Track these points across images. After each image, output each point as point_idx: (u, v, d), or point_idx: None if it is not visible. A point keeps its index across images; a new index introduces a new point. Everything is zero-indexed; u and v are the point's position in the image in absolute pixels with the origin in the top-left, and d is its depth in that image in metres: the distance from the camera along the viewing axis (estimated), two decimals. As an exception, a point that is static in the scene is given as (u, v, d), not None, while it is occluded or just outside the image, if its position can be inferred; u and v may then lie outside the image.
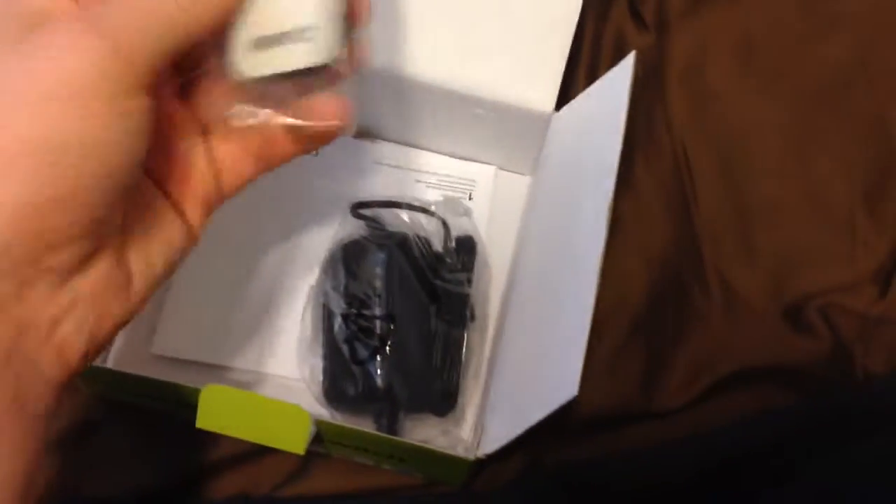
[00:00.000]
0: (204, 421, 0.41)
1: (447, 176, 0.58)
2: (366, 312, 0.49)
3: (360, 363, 0.48)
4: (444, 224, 0.52)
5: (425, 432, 0.50)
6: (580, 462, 0.52)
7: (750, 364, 0.55)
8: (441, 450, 0.43)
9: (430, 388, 0.49)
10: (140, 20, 0.25)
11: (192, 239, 0.32)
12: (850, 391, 0.53)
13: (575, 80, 0.61)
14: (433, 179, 0.58)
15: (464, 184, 0.58)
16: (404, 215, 0.51)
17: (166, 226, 0.31)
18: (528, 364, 0.46)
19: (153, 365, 0.51)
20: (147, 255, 0.30)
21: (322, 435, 0.44)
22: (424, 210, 0.52)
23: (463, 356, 0.50)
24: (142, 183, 0.30)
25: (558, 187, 0.51)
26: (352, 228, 0.52)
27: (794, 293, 0.57)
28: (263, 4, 0.30)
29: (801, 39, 0.64)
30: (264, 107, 0.32)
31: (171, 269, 0.31)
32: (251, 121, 0.32)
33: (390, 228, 0.51)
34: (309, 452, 0.42)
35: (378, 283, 0.49)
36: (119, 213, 0.28)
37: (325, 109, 0.32)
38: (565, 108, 0.52)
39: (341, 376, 0.49)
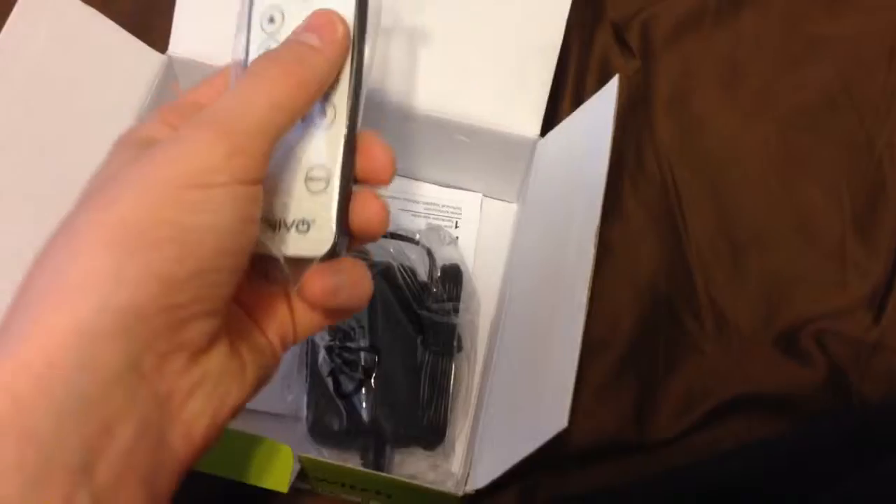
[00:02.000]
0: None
1: (433, 204, 0.57)
2: (350, 344, 0.47)
3: (345, 397, 0.47)
4: (429, 253, 0.51)
5: (413, 467, 0.48)
6: (573, 497, 0.50)
7: (744, 392, 0.54)
8: (430, 485, 0.42)
9: (418, 420, 0.48)
10: (247, 120, 0.28)
11: (276, 362, 0.33)
12: (848, 419, 0.52)
13: (561, 106, 0.60)
14: (419, 208, 0.57)
15: (450, 212, 0.57)
16: (389, 245, 0.50)
17: (257, 338, 0.32)
18: (518, 395, 0.45)
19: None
20: (251, 356, 0.31)
21: (307, 472, 0.42)
22: (409, 239, 0.51)
23: (451, 387, 0.49)
24: (235, 309, 0.32)
25: (545, 214, 0.50)
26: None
27: (786, 319, 0.57)
28: (272, 188, 0.31)
29: (786, 64, 0.64)
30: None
31: (264, 380, 0.33)
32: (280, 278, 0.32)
33: (374, 258, 0.50)
34: (294, 490, 0.41)
35: (362, 315, 0.48)
36: (231, 300, 0.29)
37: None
38: (551, 134, 0.51)
39: (326, 411, 0.47)
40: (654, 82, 0.63)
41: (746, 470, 0.49)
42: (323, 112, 0.32)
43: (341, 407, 0.47)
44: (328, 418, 0.47)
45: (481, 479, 0.41)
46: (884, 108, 0.62)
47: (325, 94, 0.32)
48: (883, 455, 0.46)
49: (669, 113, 0.62)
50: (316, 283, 0.31)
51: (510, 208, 0.58)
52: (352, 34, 0.32)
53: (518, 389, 0.45)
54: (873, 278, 0.58)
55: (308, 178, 0.31)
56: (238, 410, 0.30)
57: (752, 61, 0.64)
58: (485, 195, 0.58)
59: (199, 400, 0.28)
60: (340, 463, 0.42)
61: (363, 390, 0.47)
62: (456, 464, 0.50)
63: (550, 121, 0.52)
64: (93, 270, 0.25)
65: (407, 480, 0.42)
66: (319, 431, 0.47)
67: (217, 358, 0.29)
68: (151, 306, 0.25)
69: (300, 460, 0.41)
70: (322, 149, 0.32)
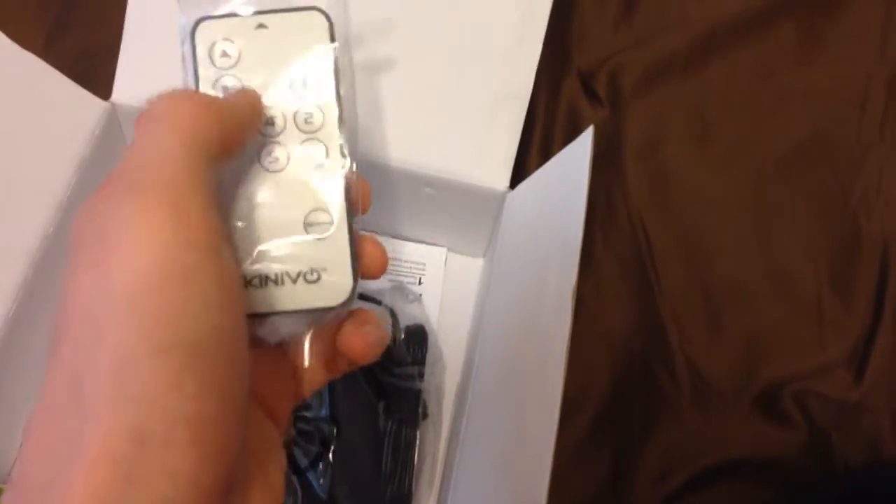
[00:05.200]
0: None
1: (395, 259, 0.54)
2: (307, 414, 0.44)
3: (300, 473, 0.43)
4: (393, 314, 0.48)
5: (375, 546, 0.44)
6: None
7: (724, 457, 0.52)
8: (392, 570, 0.38)
9: (380, 496, 0.44)
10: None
11: (280, 439, 0.30)
12: (835, 484, 0.50)
13: (528, 156, 0.58)
14: (380, 263, 0.54)
15: (413, 267, 0.54)
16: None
17: (268, 429, 0.29)
18: (490, 466, 0.41)
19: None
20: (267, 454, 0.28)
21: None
22: (372, 299, 0.47)
23: (415, 458, 0.46)
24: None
25: (516, 270, 0.48)
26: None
27: (765, 379, 0.54)
28: (258, 241, 0.28)
29: (757, 115, 0.63)
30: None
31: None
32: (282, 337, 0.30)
33: (333, 319, 0.46)
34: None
35: (320, 381, 0.44)
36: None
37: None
38: (521, 186, 0.49)
39: (279, 487, 0.43)
40: (623, 132, 0.61)
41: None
42: (313, 151, 0.29)
43: (296, 484, 0.43)
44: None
45: (450, 562, 0.38)
46: (857, 159, 0.61)
47: (312, 133, 0.29)
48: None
49: (639, 163, 0.60)
50: (355, 337, 0.29)
51: (476, 263, 0.55)
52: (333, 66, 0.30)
53: (489, 460, 0.42)
54: (852, 335, 0.56)
55: (308, 224, 0.29)
56: None
57: (722, 112, 0.63)
58: (449, 249, 0.55)
59: None
60: (295, 546, 0.38)
61: (320, 465, 0.43)
62: (421, 541, 0.46)
63: (518, 171, 0.50)
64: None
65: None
66: (272, 510, 0.43)
67: (255, 494, 0.25)
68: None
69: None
70: (320, 190, 0.29)
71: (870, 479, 0.50)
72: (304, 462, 0.43)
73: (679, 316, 0.56)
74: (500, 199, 0.49)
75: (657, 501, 0.50)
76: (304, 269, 0.28)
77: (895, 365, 0.55)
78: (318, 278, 0.28)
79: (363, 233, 0.30)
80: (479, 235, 0.53)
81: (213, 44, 0.30)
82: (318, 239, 0.28)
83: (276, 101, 0.30)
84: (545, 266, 0.43)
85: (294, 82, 0.30)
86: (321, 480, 0.43)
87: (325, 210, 0.28)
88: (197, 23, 0.30)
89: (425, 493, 0.46)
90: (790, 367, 0.55)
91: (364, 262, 0.29)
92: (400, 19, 0.47)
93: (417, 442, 0.46)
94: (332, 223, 0.28)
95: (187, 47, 0.30)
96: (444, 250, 0.55)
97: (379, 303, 0.47)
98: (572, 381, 0.53)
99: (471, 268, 0.55)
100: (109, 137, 0.49)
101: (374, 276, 0.30)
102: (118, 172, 0.24)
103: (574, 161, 0.43)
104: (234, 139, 0.27)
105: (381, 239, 0.54)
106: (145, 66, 0.48)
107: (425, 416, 0.47)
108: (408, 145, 0.48)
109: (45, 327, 0.45)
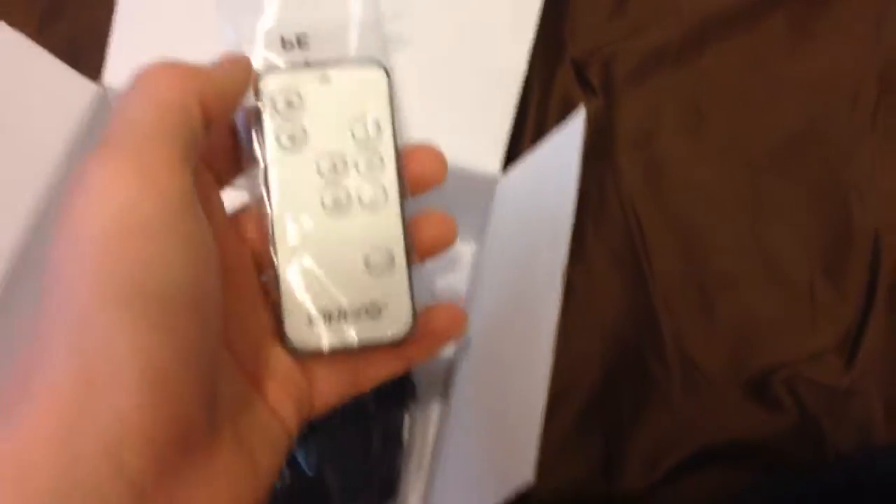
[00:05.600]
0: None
1: (387, 245, 0.54)
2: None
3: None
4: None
5: (363, 527, 0.44)
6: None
7: (715, 442, 0.52)
8: (380, 548, 0.38)
9: (367, 476, 0.44)
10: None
11: (289, 441, 0.31)
12: (825, 471, 0.50)
13: (521, 146, 0.58)
14: (372, 249, 0.54)
15: (405, 253, 0.54)
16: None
17: (264, 418, 0.29)
18: (478, 448, 0.41)
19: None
20: (259, 440, 0.28)
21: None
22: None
23: (404, 440, 0.46)
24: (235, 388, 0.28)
25: (506, 253, 0.48)
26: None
27: (756, 365, 0.54)
28: (322, 277, 0.30)
29: (750, 105, 0.63)
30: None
31: (279, 465, 0.30)
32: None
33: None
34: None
35: (309, 360, 0.44)
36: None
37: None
38: (513, 169, 0.49)
39: (267, 465, 0.43)
40: (616, 122, 0.61)
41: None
42: (371, 194, 0.32)
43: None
44: (270, 474, 0.43)
45: (437, 539, 0.38)
46: (849, 150, 0.61)
47: (369, 173, 0.32)
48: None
49: (633, 153, 0.60)
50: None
51: (468, 248, 0.55)
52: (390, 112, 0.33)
53: (478, 441, 0.42)
54: (844, 322, 0.56)
55: (368, 263, 0.31)
56: None
57: (715, 102, 0.63)
58: (441, 235, 0.55)
59: None
60: (282, 524, 0.38)
61: (307, 442, 0.43)
62: (410, 523, 0.46)
63: (511, 160, 0.50)
64: (66, 371, 0.21)
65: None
66: (260, 489, 0.43)
67: (222, 456, 0.25)
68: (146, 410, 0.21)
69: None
70: (379, 229, 0.31)
71: (860, 464, 0.50)
72: (292, 441, 0.43)
73: (671, 305, 0.56)
74: (491, 182, 0.49)
75: (648, 486, 0.50)
76: (365, 304, 0.29)
77: (886, 351, 0.55)
78: (380, 313, 0.30)
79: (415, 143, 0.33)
80: (471, 221, 0.53)
81: (280, 95, 0.31)
82: (377, 276, 0.30)
83: (339, 148, 0.31)
84: (535, 247, 0.43)
85: (356, 130, 0.32)
86: (308, 458, 0.43)
87: (383, 248, 0.30)
88: (261, 75, 0.32)
89: (414, 474, 0.46)
90: (782, 353, 0.55)
91: (419, 169, 0.32)
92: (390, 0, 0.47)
93: (406, 424, 0.46)
94: (390, 262, 0.30)
95: (252, 102, 0.31)
96: (436, 236, 0.55)
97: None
98: (563, 370, 0.53)
99: (463, 253, 0.55)
100: (100, 120, 0.49)
101: (434, 183, 0.33)
102: (97, 141, 0.24)
103: (565, 142, 0.43)
104: (218, 105, 0.27)
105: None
106: (136, 49, 0.48)
107: (414, 398, 0.47)
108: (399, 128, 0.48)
109: (32, 305, 0.44)
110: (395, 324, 0.30)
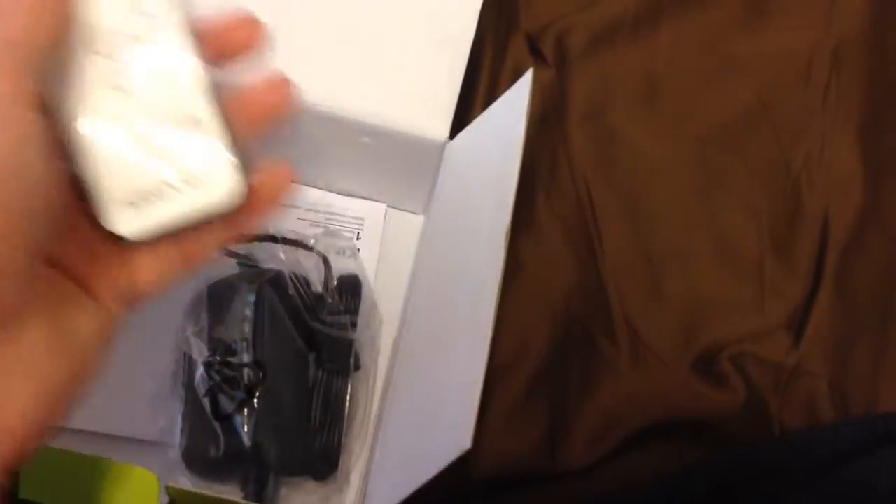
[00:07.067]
0: (29, 490, 0.34)
1: (333, 214, 0.53)
2: (231, 360, 0.42)
3: (224, 419, 0.42)
4: (325, 261, 0.46)
5: (301, 500, 0.44)
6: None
7: (661, 418, 0.52)
8: (317, 520, 0.37)
9: (308, 447, 0.43)
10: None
11: (111, 325, 0.28)
12: (769, 448, 0.49)
13: (472, 117, 0.57)
14: (317, 217, 0.53)
15: (351, 222, 0.53)
16: (279, 251, 0.46)
17: (83, 301, 0.27)
18: (418, 417, 0.41)
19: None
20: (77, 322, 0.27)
21: (175, 504, 0.37)
22: (302, 245, 0.46)
23: (346, 411, 0.45)
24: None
25: (452, 220, 0.47)
26: (221, 268, 0.46)
27: (704, 342, 0.54)
28: (129, 152, 0.27)
29: (703, 81, 0.62)
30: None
31: (97, 350, 0.28)
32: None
33: (263, 265, 0.45)
34: (159, 525, 0.35)
35: (246, 327, 0.43)
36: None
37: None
38: (460, 135, 0.48)
39: (201, 434, 0.42)
40: (569, 94, 0.60)
41: (667, 499, 0.46)
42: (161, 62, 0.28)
43: (219, 430, 0.42)
44: (203, 443, 0.42)
45: (376, 511, 0.37)
46: (800, 128, 0.61)
47: (155, 45, 0.28)
48: (809, 485, 0.43)
49: (585, 126, 0.60)
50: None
51: (417, 220, 0.54)
52: None
53: (418, 411, 0.41)
54: (791, 300, 0.56)
55: (172, 133, 0.27)
56: (73, 392, 0.26)
57: (669, 77, 0.62)
58: (389, 206, 0.54)
59: (15, 384, 0.24)
60: (216, 495, 0.36)
61: (245, 411, 0.42)
62: (351, 496, 0.45)
63: (460, 127, 0.49)
64: None
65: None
66: (193, 458, 0.42)
67: (32, 332, 0.24)
68: None
69: (168, 491, 0.36)
70: (180, 96, 0.27)
71: (804, 441, 0.50)
72: (228, 408, 0.42)
73: (620, 278, 0.56)
74: (439, 149, 0.48)
75: (593, 460, 0.50)
76: (182, 176, 0.26)
77: (833, 330, 0.55)
78: (200, 180, 0.26)
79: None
80: (418, 189, 0.52)
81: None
82: (187, 138, 0.27)
83: (119, 24, 0.28)
84: (480, 213, 0.42)
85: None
86: (245, 428, 0.42)
87: (188, 115, 0.27)
88: None
89: (356, 445, 0.45)
90: (730, 330, 0.55)
91: (264, 191, 0.28)
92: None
93: (348, 393, 0.45)
94: (198, 125, 0.27)
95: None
96: (383, 206, 0.54)
97: (311, 249, 0.46)
98: (510, 342, 0.53)
99: (411, 224, 0.54)
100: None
101: (273, 205, 0.29)
102: None
103: (512, 106, 0.43)
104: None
105: (317, 193, 0.53)
106: None
107: (357, 367, 0.46)
108: (342, 91, 0.46)
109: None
110: (215, 192, 0.27)
